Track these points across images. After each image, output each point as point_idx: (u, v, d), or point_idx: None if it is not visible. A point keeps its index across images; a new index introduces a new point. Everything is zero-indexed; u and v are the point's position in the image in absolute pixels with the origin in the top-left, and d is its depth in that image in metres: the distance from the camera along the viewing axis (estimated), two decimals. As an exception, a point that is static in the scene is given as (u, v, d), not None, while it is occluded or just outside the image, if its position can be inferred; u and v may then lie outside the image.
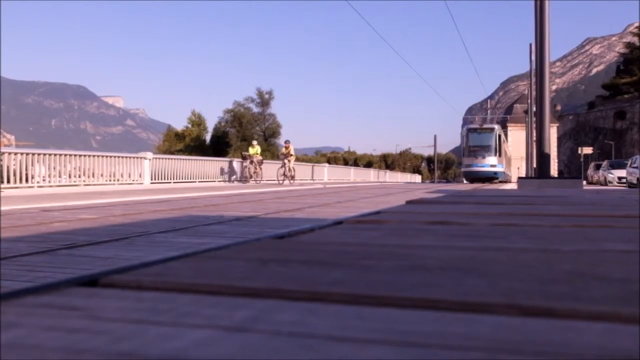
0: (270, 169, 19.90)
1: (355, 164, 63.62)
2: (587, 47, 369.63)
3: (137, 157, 15.04)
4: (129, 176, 14.65)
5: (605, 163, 26.94)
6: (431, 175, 69.72)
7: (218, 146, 48.60)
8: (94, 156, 13.67)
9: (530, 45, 22.91)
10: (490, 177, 28.06)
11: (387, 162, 74.49)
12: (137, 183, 14.68)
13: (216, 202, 7.02)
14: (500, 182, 28.02)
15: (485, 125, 30.25)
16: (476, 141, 28.73)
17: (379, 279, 0.71)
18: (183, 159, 17.59)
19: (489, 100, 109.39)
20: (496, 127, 29.69)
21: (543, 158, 10.69)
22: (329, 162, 51.60)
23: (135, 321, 0.50)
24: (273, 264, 0.82)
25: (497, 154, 28.55)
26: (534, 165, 16.61)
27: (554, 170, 42.41)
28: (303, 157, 57.11)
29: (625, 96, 52.15)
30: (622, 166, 23.44)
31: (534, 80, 14.90)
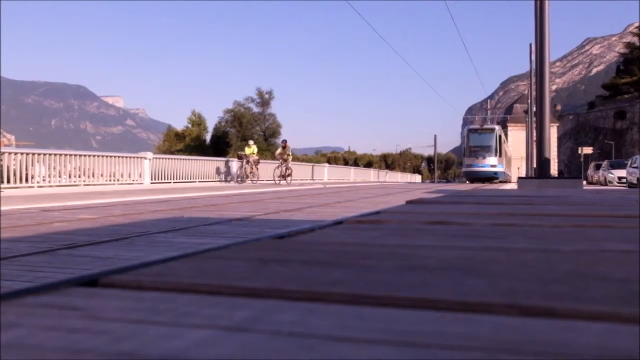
0: (268, 169, 19.88)
1: (355, 164, 63.63)
2: (587, 47, 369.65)
3: (137, 157, 15.05)
4: (129, 176, 14.66)
5: (605, 163, 26.94)
6: (431, 175, 69.74)
7: (218, 146, 48.63)
8: (94, 156, 13.67)
9: (530, 45, 22.92)
10: (490, 177, 28.16)
11: (387, 162, 74.50)
12: (137, 183, 14.68)
13: (216, 202, 7.02)
14: (501, 182, 28.07)
15: (485, 126, 30.36)
16: (477, 141, 28.85)
17: (379, 279, 0.71)
18: (183, 159, 17.59)
19: (489, 100, 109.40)
20: (496, 127, 29.80)
21: (543, 158, 10.70)
22: (329, 162, 51.61)
23: (135, 321, 0.51)
24: (273, 264, 0.82)
25: (498, 154, 28.65)
26: (534, 165, 16.61)
27: (554, 170, 42.40)
28: (303, 157, 57.13)
29: (625, 96, 52.15)
30: (622, 166, 23.44)
31: (534, 80, 14.90)
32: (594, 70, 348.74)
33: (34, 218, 4.64)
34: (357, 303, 0.58)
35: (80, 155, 13.24)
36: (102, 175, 13.72)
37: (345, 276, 0.72)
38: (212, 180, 17.98)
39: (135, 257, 2.56)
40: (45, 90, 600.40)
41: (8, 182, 10.88)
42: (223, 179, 18.57)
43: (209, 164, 18.52)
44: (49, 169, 12.21)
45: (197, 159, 18.40)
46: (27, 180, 11.43)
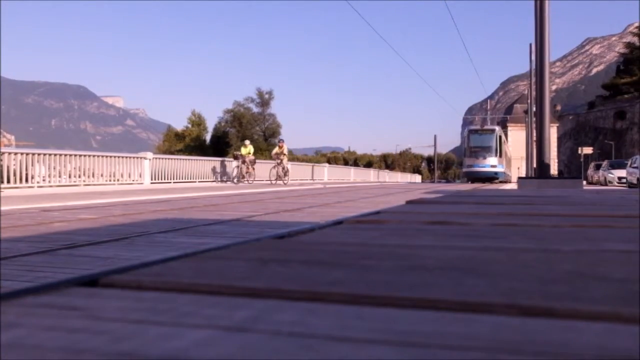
0: (266, 169, 19.84)
1: (355, 164, 63.66)
2: (587, 47, 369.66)
3: (137, 157, 15.05)
4: (129, 176, 14.66)
5: (605, 163, 26.95)
6: (431, 175, 69.76)
7: (218, 146, 48.64)
8: (94, 156, 13.67)
9: (530, 45, 22.92)
10: (490, 177, 28.23)
11: (387, 162, 74.53)
12: (137, 183, 14.68)
13: (216, 202, 7.02)
14: (501, 182, 28.11)
15: (486, 127, 30.46)
16: (477, 142, 28.94)
17: (379, 279, 0.71)
18: (182, 159, 17.60)
19: (489, 100, 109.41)
20: (497, 128, 29.88)
21: (543, 158, 10.70)
22: (329, 162, 51.63)
23: (135, 321, 0.51)
24: (273, 264, 0.82)
25: (498, 154, 28.74)
26: (534, 165, 16.60)
27: (554, 170, 42.41)
28: (303, 157, 57.12)
29: (625, 96, 52.14)
30: (622, 166, 23.45)
31: (534, 80, 14.90)
32: (594, 70, 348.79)
33: (34, 218, 4.64)
34: (357, 303, 0.58)
35: (80, 155, 13.24)
36: (102, 175, 13.72)
37: (345, 276, 0.72)
38: (211, 180, 17.98)
39: (135, 257, 2.56)
40: (45, 90, 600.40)
41: (8, 182, 10.88)
42: (219, 179, 18.55)
43: (210, 164, 18.52)
44: (49, 169, 12.21)
45: (197, 159, 18.40)
46: (27, 180, 11.43)
